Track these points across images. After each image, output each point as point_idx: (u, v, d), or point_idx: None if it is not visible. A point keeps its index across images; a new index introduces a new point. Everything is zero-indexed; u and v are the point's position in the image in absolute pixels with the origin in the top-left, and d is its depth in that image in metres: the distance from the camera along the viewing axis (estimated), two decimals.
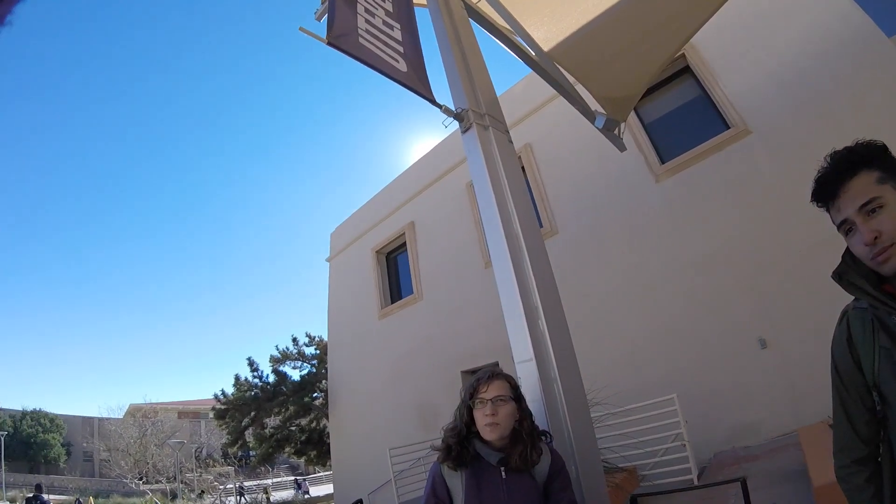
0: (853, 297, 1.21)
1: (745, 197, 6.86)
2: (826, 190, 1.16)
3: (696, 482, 5.25)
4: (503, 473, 1.63)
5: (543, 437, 1.72)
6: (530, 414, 1.72)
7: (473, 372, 9.74)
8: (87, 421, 37.81)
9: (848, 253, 1.19)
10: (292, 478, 31.91)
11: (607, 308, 7.93)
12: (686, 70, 8.16)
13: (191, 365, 73.88)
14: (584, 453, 1.85)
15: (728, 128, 7.36)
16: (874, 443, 1.21)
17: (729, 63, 7.53)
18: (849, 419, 1.23)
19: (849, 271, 1.18)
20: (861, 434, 1.21)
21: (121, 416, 35.78)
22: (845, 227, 1.14)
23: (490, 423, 1.61)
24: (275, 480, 30.26)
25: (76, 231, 68.37)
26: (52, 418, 36.09)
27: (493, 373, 1.72)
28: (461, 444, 1.67)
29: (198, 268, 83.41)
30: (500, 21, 3.45)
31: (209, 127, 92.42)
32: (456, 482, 1.65)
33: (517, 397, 1.69)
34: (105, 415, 37.12)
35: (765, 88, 7.08)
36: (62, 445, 35.83)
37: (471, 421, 1.68)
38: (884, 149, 1.14)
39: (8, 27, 0.36)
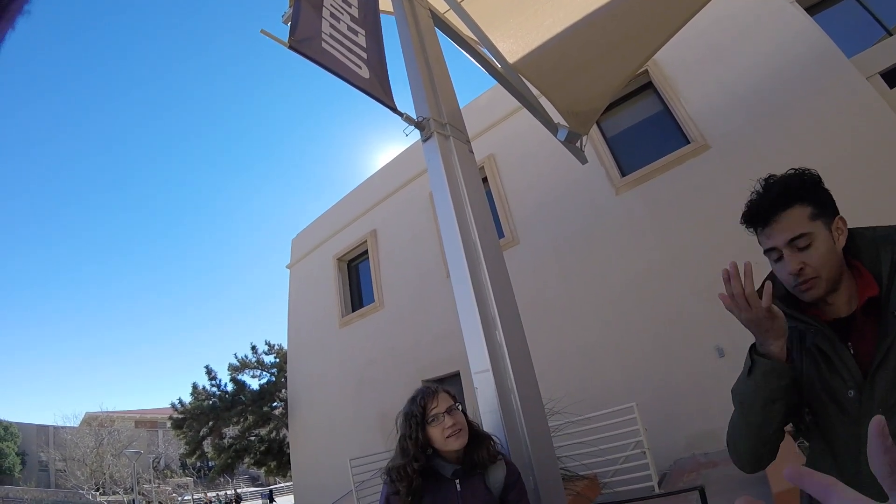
0: None
1: (703, 209, 7.04)
2: (759, 217, 1.23)
3: (656, 489, 5.33)
4: (458, 486, 1.62)
5: (495, 442, 1.73)
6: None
7: (436, 382, 9.73)
8: (43, 429, 35.97)
9: (772, 274, 1.26)
10: (252, 489, 31.15)
11: (567, 317, 8.02)
12: (648, 86, 8.38)
13: (147, 372, 71.49)
14: (541, 463, 1.84)
15: (688, 142, 7.58)
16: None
17: (690, 80, 7.76)
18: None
19: None
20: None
21: (76, 425, 34.32)
22: (774, 254, 1.21)
23: (454, 431, 1.63)
24: (238, 491, 29.48)
25: (27, 230, 65.55)
26: (7, 426, 34.04)
27: (434, 388, 1.74)
28: (420, 474, 1.64)
29: (154, 273, 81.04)
30: (466, 32, 3.46)
31: (167, 130, 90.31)
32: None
33: (462, 406, 1.73)
34: (60, 423, 35.53)
35: (725, 105, 7.30)
36: (17, 455, 33.95)
37: (426, 444, 1.67)
38: (817, 182, 1.19)
39: (26, 16, 0.33)
